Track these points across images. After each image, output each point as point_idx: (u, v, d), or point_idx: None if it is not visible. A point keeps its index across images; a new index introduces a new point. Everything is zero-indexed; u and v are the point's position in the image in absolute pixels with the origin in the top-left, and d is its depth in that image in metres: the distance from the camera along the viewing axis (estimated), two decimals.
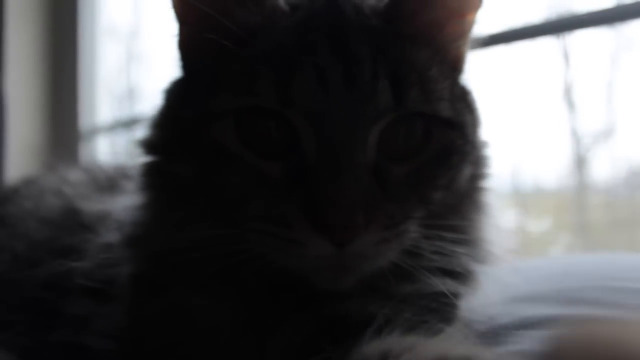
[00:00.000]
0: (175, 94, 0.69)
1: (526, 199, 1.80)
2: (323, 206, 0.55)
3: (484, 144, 0.70)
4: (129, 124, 2.75)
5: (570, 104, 1.76)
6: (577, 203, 1.78)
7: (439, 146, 0.62)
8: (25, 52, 2.61)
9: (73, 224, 0.82)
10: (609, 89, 1.70)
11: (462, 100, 0.67)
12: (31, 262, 0.79)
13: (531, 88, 1.70)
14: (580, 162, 1.76)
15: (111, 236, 0.71)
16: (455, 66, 0.68)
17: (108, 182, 0.94)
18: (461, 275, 0.64)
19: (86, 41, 2.72)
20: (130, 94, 2.97)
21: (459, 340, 0.58)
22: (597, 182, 1.76)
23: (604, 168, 1.75)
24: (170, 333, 0.62)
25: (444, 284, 0.61)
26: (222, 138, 0.60)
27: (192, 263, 0.60)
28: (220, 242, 0.59)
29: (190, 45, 0.67)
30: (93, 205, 0.85)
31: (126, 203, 0.73)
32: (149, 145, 0.69)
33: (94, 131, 2.72)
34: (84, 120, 2.66)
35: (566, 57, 1.75)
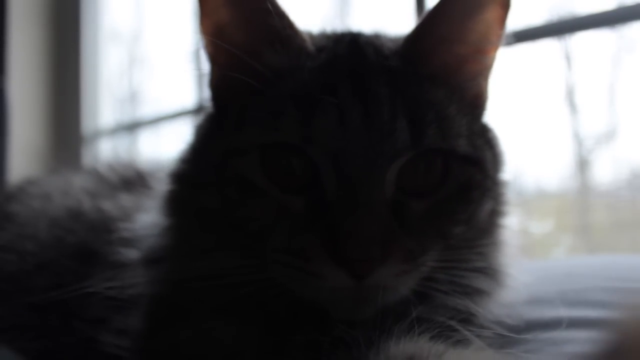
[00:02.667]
0: (206, 129, 0.71)
1: (529, 201, 1.80)
2: (341, 240, 0.57)
3: (505, 183, 0.71)
4: (131, 127, 2.76)
5: (572, 106, 1.76)
6: (579, 205, 1.78)
7: (459, 182, 0.64)
8: (29, 55, 2.62)
9: (84, 225, 0.83)
10: (610, 92, 1.70)
11: (482, 137, 0.68)
12: (40, 264, 0.80)
13: (533, 90, 1.70)
14: (582, 165, 1.76)
15: (130, 253, 0.73)
16: (475, 103, 0.69)
17: (122, 181, 0.96)
18: (475, 296, 0.66)
19: (89, 44, 2.73)
20: (133, 97, 2.97)
21: (481, 348, 0.59)
22: (600, 184, 1.76)
23: (606, 170, 1.75)
24: (196, 357, 0.63)
25: (459, 303, 0.63)
26: (247, 172, 0.63)
27: (216, 290, 0.62)
28: (244, 271, 0.61)
29: (220, 84, 0.70)
30: (103, 205, 0.87)
31: (146, 220, 0.75)
32: (177, 177, 0.71)
33: (97, 134, 2.72)
34: (87, 123, 2.67)
35: (568, 59, 1.75)
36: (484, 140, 0.68)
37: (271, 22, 0.65)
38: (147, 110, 2.82)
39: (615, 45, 1.70)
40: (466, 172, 0.64)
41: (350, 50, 0.67)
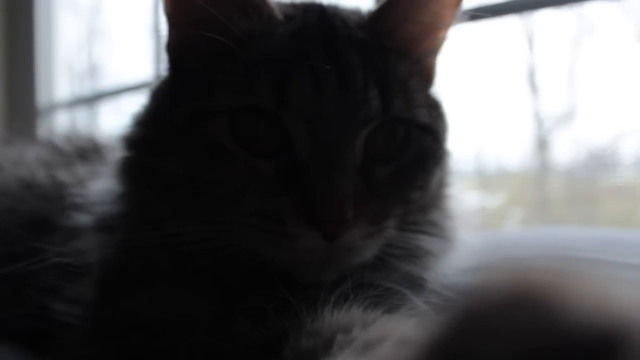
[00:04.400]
0: (165, 93, 0.70)
1: (489, 179, 1.83)
2: (316, 201, 0.59)
3: (449, 153, 0.75)
4: (89, 100, 2.70)
5: (533, 86, 1.79)
6: (536, 182, 1.81)
7: (418, 150, 0.67)
8: None
9: (36, 194, 0.83)
10: (570, 73, 1.73)
11: (435, 109, 0.72)
12: None
13: (495, 70, 1.72)
14: (541, 144, 1.79)
15: (83, 219, 0.72)
16: (428, 78, 0.74)
17: (78, 152, 0.95)
18: (423, 257, 0.69)
19: (43, 15, 2.65)
20: (92, 71, 2.91)
21: (416, 313, 0.61)
22: (558, 163, 1.79)
23: (564, 150, 1.78)
24: (147, 327, 0.62)
25: (410, 268, 0.67)
26: (216, 135, 0.63)
27: (169, 258, 0.63)
28: (206, 238, 0.61)
29: (182, 47, 0.70)
30: (58, 175, 0.85)
31: (99, 187, 0.74)
32: (131, 142, 0.70)
33: (53, 107, 2.66)
34: (42, 96, 2.60)
35: (530, 40, 1.77)
36: (437, 113, 0.72)
37: None
38: (106, 83, 2.76)
39: (576, 26, 1.73)
40: (424, 141, 0.68)
41: (319, 20, 0.69)
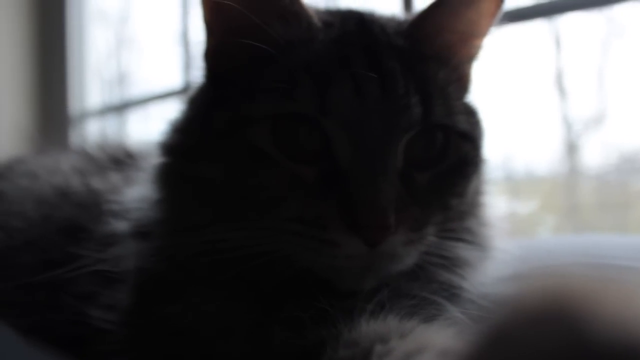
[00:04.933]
0: (203, 99, 0.71)
1: (519, 186, 1.81)
2: (358, 207, 0.59)
3: (485, 160, 0.74)
4: (119, 108, 2.73)
5: (561, 90, 1.77)
6: (567, 188, 1.79)
7: (457, 156, 0.67)
8: (13, 36, 2.59)
9: (72, 202, 0.83)
10: (599, 76, 1.71)
11: (473, 116, 0.71)
12: (28, 241, 0.79)
13: (523, 74, 1.70)
14: (571, 148, 1.77)
15: (120, 225, 0.72)
16: (465, 86, 0.74)
17: (111, 161, 0.95)
18: (463, 267, 0.68)
19: (74, 25, 2.70)
20: (121, 79, 2.95)
21: (454, 324, 0.60)
22: (588, 168, 1.77)
23: (594, 154, 1.76)
24: (184, 335, 0.63)
25: (448, 276, 0.66)
26: (258, 141, 0.63)
27: (207, 265, 0.63)
28: (246, 244, 0.61)
29: (220, 54, 0.70)
30: (92, 183, 0.86)
31: (135, 193, 0.74)
32: (168, 148, 0.71)
33: (84, 115, 2.70)
34: (74, 104, 2.65)
35: (558, 43, 1.75)
36: (475, 120, 0.71)
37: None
38: (135, 91, 2.80)
39: (605, 30, 1.71)
40: (463, 148, 0.67)
41: (358, 27, 0.69)
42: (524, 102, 1.71)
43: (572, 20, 1.68)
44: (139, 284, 0.67)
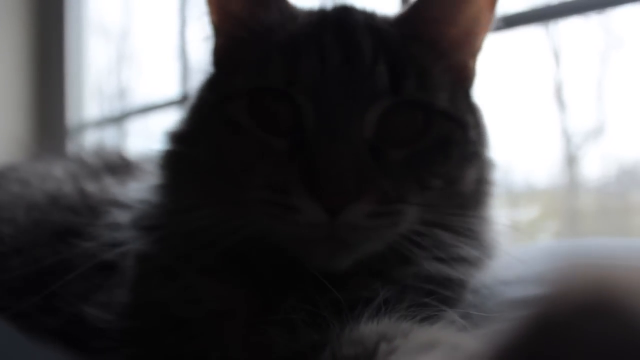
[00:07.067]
0: (204, 89, 0.74)
1: (518, 197, 1.81)
2: (317, 172, 0.58)
3: (492, 162, 0.72)
4: (117, 119, 2.74)
5: (560, 102, 1.77)
6: (567, 201, 1.78)
7: (438, 135, 0.65)
8: (11, 47, 2.60)
9: (63, 206, 0.83)
10: (599, 88, 1.71)
11: (466, 102, 0.71)
12: (18, 247, 0.79)
13: (522, 87, 1.71)
14: (570, 161, 1.76)
15: (121, 216, 0.74)
16: (461, 75, 0.72)
17: (106, 166, 0.96)
18: (461, 263, 0.66)
19: (73, 37, 2.72)
20: (121, 94, 2.96)
21: (454, 325, 0.59)
22: (588, 180, 1.76)
23: (594, 166, 1.75)
24: (184, 316, 0.63)
25: (443, 270, 0.64)
26: (236, 115, 0.66)
27: (203, 248, 0.63)
28: (227, 219, 0.62)
29: (223, 51, 0.74)
30: (86, 187, 0.87)
31: (136, 186, 0.76)
32: (173, 136, 0.73)
33: (82, 127, 2.70)
34: (71, 116, 2.65)
35: (556, 55, 1.76)
36: (468, 107, 0.70)
37: None
38: (134, 105, 2.81)
39: (603, 40, 1.71)
40: (445, 127, 0.66)
41: (338, 11, 0.71)
42: (524, 114, 1.71)
43: (570, 30, 1.68)
44: (137, 273, 0.67)
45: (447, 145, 0.66)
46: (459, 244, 0.65)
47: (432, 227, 0.63)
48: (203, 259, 0.64)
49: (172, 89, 2.51)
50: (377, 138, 0.62)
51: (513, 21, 1.57)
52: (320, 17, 0.70)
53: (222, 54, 0.73)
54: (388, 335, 0.54)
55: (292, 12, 0.71)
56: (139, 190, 0.75)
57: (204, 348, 0.60)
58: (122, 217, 0.73)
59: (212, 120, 0.67)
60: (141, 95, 2.77)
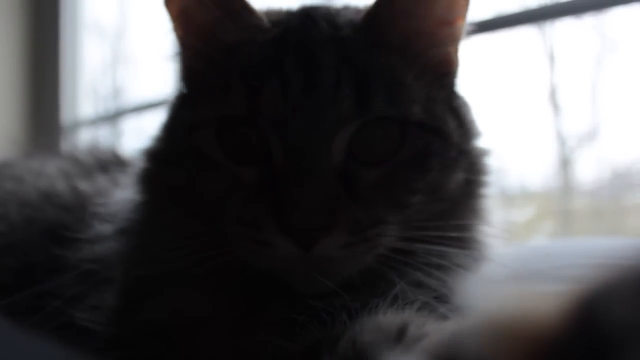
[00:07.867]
0: (175, 107, 0.73)
1: (512, 200, 1.80)
2: (286, 208, 0.57)
3: (482, 152, 0.70)
4: (112, 117, 2.73)
5: (555, 105, 1.77)
6: (561, 204, 1.79)
7: (414, 149, 0.63)
8: (5, 45, 2.59)
9: (56, 204, 0.84)
10: (593, 91, 1.71)
11: (445, 105, 0.67)
12: (10, 244, 0.80)
13: (516, 90, 1.71)
14: (564, 164, 1.76)
15: (105, 228, 0.73)
16: (441, 71, 0.69)
17: (99, 164, 0.97)
18: (446, 271, 0.64)
19: (68, 37, 2.71)
20: (116, 94, 2.95)
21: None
22: (582, 182, 1.77)
23: (588, 170, 1.75)
24: (168, 328, 0.63)
25: (434, 279, 0.62)
26: (203, 145, 0.64)
27: (185, 263, 0.63)
28: (204, 246, 0.62)
29: (190, 65, 0.72)
30: (79, 185, 0.88)
31: (121, 196, 0.76)
32: (149, 154, 0.73)
33: (76, 125, 2.70)
34: (66, 115, 2.64)
35: (551, 58, 1.76)
36: (447, 109, 0.67)
37: (227, 3, 0.66)
38: (129, 105, 2.80)
39: (598, 43, 1.71)
40: (422, 139, 0.63)
41: (302, 22, 0.68)
42: (518, 116, 1.71)
43: (564, 32, 1.69)
44: (122, 283, 0.67)
45: (424, 158, 0.63)
46: (444, 253, 0.63)
47: (413, 243, 0.62)
48: (186, 273, 0.63)
49: (166, 89, 2.50)
50: (348, 160, 0.61)
51: (507, 22, 1.57)
52: (283, 30, 0.66)
53: (191, 71, 0.71)
54: (408, 324, 0.53)
55: (258, 23, 0.67)
56: (122, 202, 0.74)
57: (189, 356, 0.60)
58: (105, 228, 0.73)
59: (183, 148, 0.66)
60: (136, 94, 2.76)
